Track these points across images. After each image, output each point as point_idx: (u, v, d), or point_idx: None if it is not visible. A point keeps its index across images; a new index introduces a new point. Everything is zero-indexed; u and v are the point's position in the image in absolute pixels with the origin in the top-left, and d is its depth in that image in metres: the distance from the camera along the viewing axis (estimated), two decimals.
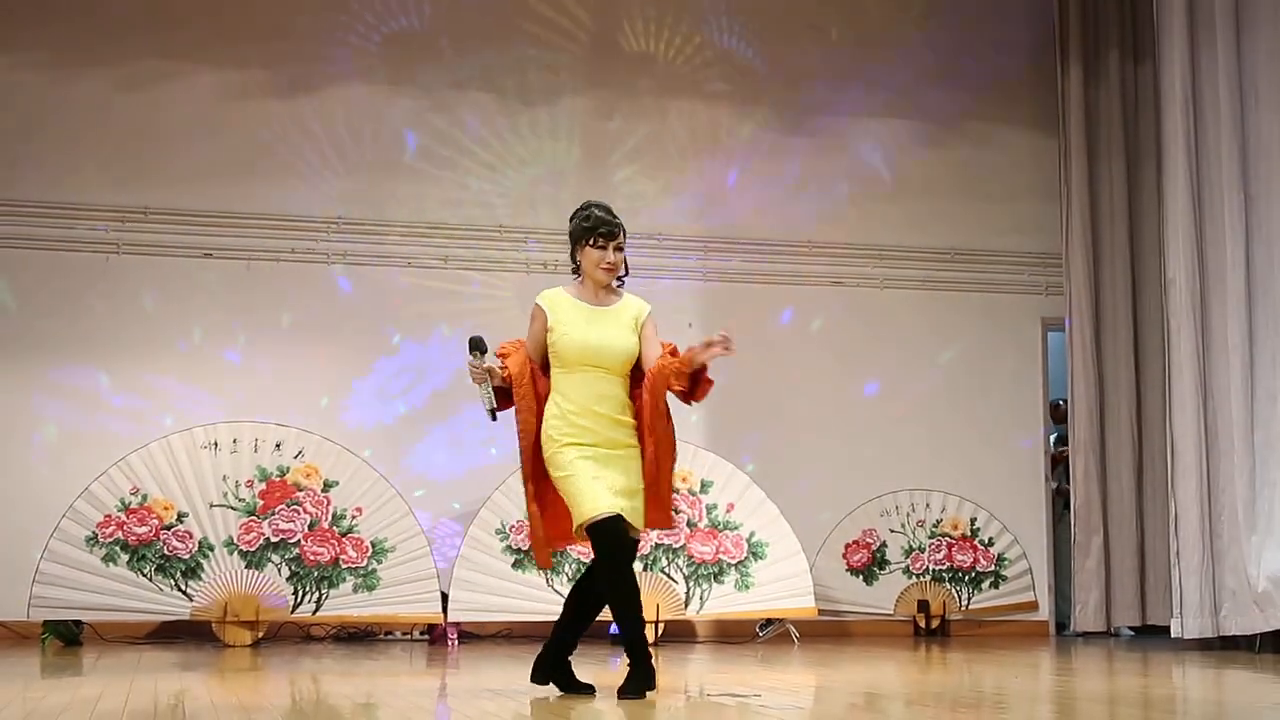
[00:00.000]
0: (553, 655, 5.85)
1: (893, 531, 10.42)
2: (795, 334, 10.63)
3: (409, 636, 9.57)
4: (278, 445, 9.16)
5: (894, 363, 10.80)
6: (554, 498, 5.78)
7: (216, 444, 9.08)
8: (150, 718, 4.99)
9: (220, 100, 9.94)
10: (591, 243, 5.85)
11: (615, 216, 5.91)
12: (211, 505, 8.99)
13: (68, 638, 8.87)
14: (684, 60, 10.68)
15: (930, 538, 10.46)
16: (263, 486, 9.08)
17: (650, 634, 9.21)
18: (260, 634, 8.95)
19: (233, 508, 9.01)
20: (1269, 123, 8.73)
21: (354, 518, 9.14)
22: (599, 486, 5.61)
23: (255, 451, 9.12)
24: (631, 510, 5.67)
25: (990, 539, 10.54)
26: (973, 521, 10.53)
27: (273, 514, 9.04)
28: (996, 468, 10.76)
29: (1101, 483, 10.27)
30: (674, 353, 5.85)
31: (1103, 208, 10.52)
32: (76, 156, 9.70)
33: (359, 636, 9.44)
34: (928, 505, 10.50)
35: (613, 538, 5.59)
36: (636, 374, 5.89)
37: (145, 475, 8.94)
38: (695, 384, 5.76)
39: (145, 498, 8.92)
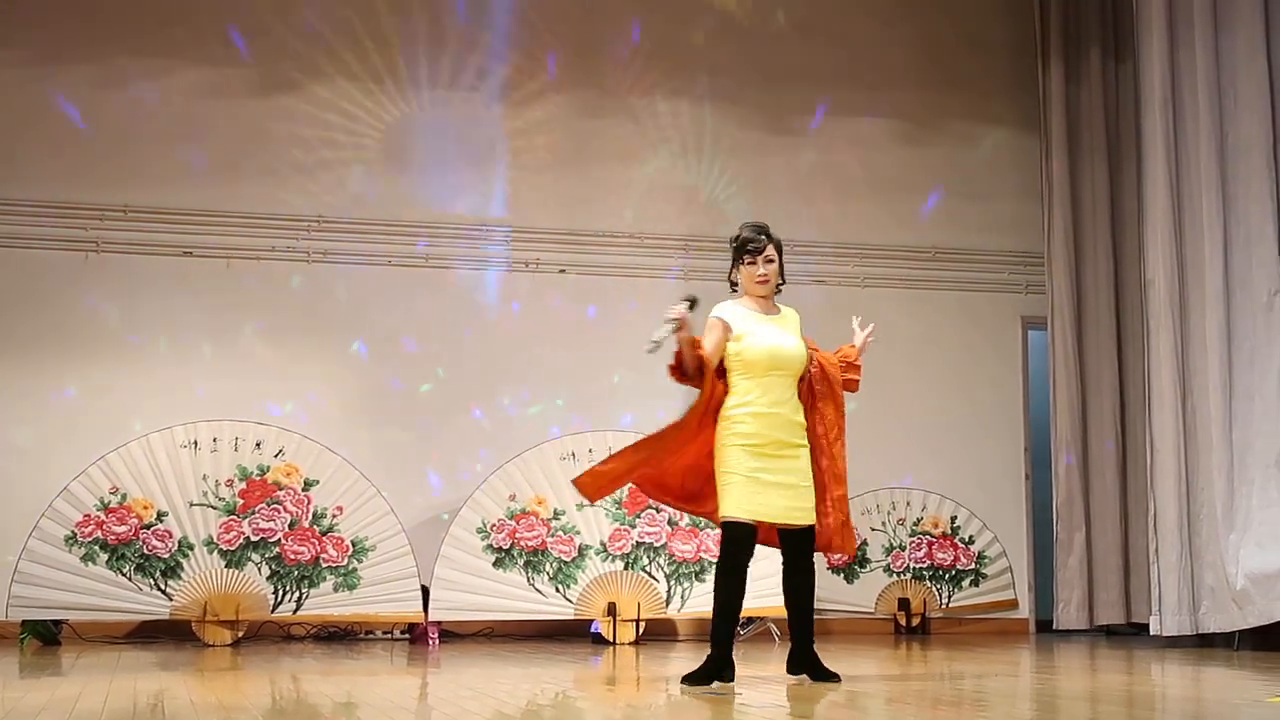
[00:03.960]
0: (806, 648, 6.33)
1: (873, 530, 10.44)
2: None
3: (390, 636, 9.56)
4: (258, 444, 9.14)
5: (874, 361, 10.73)
6: (685, 464, 6.28)
7: (196, 443, 9.05)
8: (130, 717, 4.97)
9: (200, 98, 9.92)
10: (746, 261, 6.34)
11: (763, 232, 6.37)
12: (191, 504, 8.97)
13: (46, 637, 8.85)
14: (665, 59, 10.67)
15: (911, 536, 10.48)
16: (243, 485, 9.06)
17: (631, 632, 9.22)
18: (240, 633, 8.93)
19: (213, 507, 8.99)
20: (1247, 122, 8.77)
21: (334, 517, 9.12)
22: (752, 490, 6.07)
23: (235, 450, 9.09)
24: (786, 509, 6.14)
25: (970, 537, 10.56)
26: (953, 520, 10.55)
27: (253, 513, 9.02)
28: (977, 466, 10.78)
29: (1084, 481, 10.30)
30: (814, 348, 6.41)
31: (1084, 206, 10.55)
32: (55, 154, 9.66)
33: (340, 636, 9.42)
34: (908, 503, 10.52)
35: (739, 543, 6.12)
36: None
37: (124, 474, 8.91)
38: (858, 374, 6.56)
39: (124, 497, 8.89)
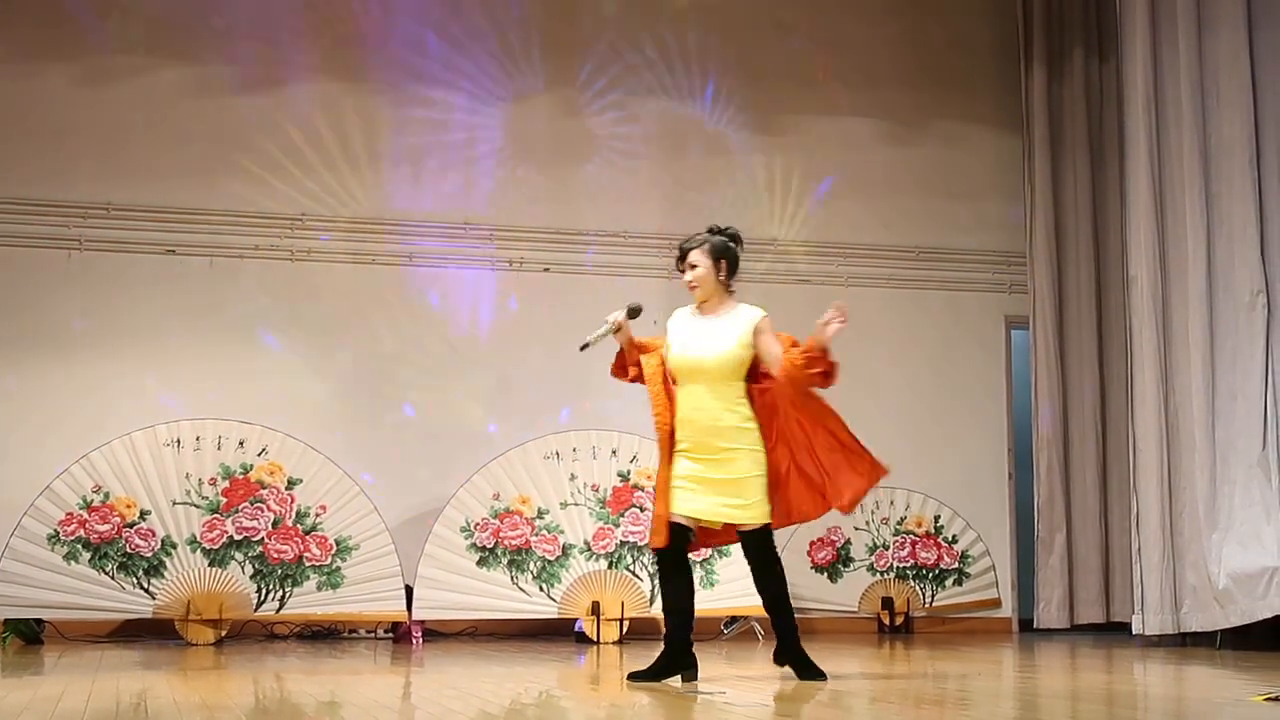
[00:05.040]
0: (786, 644, 6.41)
1: (857, 529, 10.45)
2: None
3: (374, 635, 9.54)
4: (241, 443, 9.11)
5: (858, 361, 10.77)
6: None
7: (179, 441, 9.03)
8: (112, 717, 4.96)
9: (183, 96, 9.89)
10: (679, 269, 6.52)
11: (690, 241, 6.52)
12: (174, 503, 8.94)
13: (29, 636, 8.82)
14: (649, 57, 10.67)
15: (894, 535, 10.50)
16: (226, 484, 9.04)
17: (615, 631, 9.22)
18: (223, 632, 8.91)
19: (196, 505, 8.97)
20: (1230, 121, 8.80)
21: (318, 515, 9.11)
22: (683, 492, 6.21)
23: (218, 449, 9.07)
24: (718, 510, 6.22)
25: (954, 536, 10.58)
26: (936, 519, 10.57)
27: (236, 512, 9.00)
28: (960, 465, 10.80)
29: (1065, 480, 10.33)
30: (795, 344, 6.32)
31: (1067, 206, 10.59)
32: (38, 152, 9.62)
33: (323, 635, 9.41)
34: (892, 503, 10.54)
35: (673, 539, 6.22)
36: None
37: (107, 473, 8.89)
38: (822, 368, 6.25)
39: (107, 495, 8.87)
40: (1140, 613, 8.87)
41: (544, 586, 9.24)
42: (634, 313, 6.46)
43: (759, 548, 6.32)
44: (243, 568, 8.95)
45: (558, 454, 9.40)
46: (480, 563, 9.20)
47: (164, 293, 9.71)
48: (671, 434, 6.31)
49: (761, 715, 5.19)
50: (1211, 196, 8.85)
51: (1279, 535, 8.29)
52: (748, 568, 9.56)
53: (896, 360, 10.85)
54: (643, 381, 6.44)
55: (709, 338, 6.31)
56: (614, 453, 9.52)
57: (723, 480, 6.20)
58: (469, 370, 10.10)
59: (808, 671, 6.31)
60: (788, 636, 6.38)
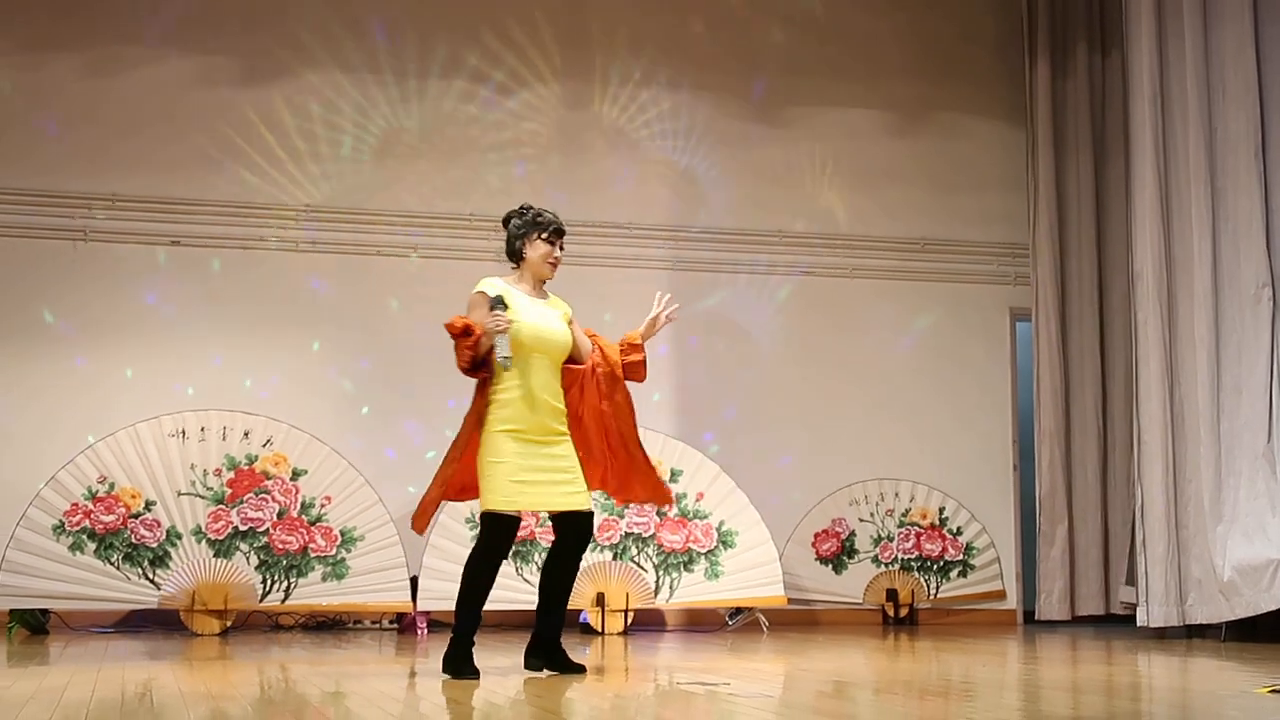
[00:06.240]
0: (544, 638, 6.19)
1: (862, 521, 10.46)
2: (764, 324, 10.65)
3: (378, 625, 9.56)
4: (246, 434, 9.13)
5: (863, 352, 10.83)
6: (466, 465, 6.10)
7: (184, 432, 9.04)
8: (118, 707, 4.97)
9: (189, 87, 9.90)
10: (544, 237, 6.21)
11: (559, 220, 6.30)
12: (179, 494, 8.96)
13: (34, 626, 8.83)
14: (653, 50, 10.67)
15: (899, 527, 10.50)
16: (231, 475, 9.05)
17: (620, 622, 9.23)
18: (228, 623, 8.92)
19: (201, 496, 8.98)
20: (1236, 115, 8.78)
21: (323, 506, 9.12)
22: (518, 481, 5.91)
23: (223, 440, 9.09)
24: (556, 497, 6.02)
25: (958, 528, 10.59)
26: (941, 511, 10.57)
27: (241, 502, 9.01)
28: (965, 457, 10.81)
29: (1066, 472, 10.34)
30: (593, 336, 6.30)
31: (1070, 199, 10.59)
32: (43, 143, 9.65)
33: (328, 625, 9.42)
34: (896, 494, 10.54)
35: (500, 535, 5.98)
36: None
37: (112, 463, 8.90)
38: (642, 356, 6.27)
39: (113, 486, 8.88)
40: (1145, 604, 8.87)
41: None
42: (503, 303, 5.98)
43: (585, 531, 6.10)
44: (248, 558, 8.97)
45: None
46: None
47: (169, 283, 9.73)
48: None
49: (765, 706, 5.19)
50: (1217, 190, 8.84)
51: None
52: (753, 559, 9.62)
53: (901, 352, 10.85)
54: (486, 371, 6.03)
55: (545, 315, 6.11)
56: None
57: (559, 466, 6.00)
58: None
59: (568, 664, 6.13)
60: (558, 629, 6.18)
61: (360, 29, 10.21)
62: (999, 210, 11.11)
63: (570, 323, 6.22)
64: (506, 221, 6.32)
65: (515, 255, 6.25)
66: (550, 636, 6.18)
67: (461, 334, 5.93)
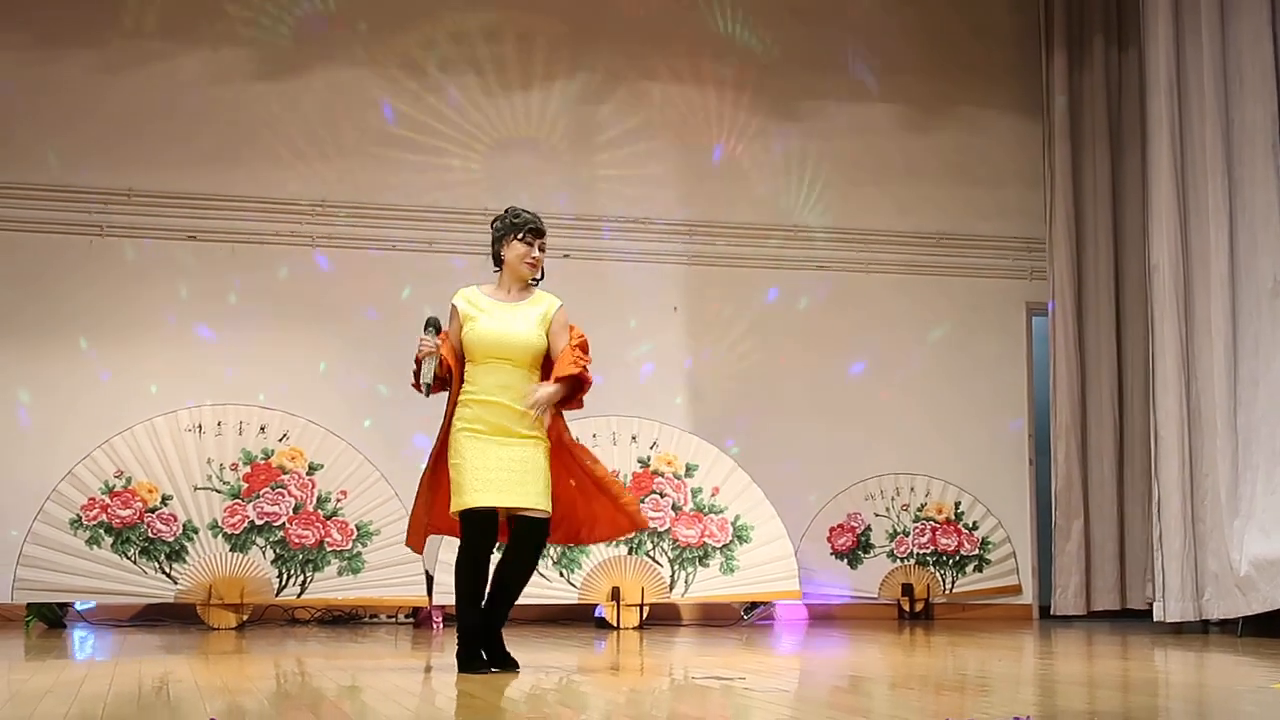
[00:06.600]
0: (499, 636, 6.15)
1: (877, 515, 10.45)
2: (780, 319, 10.63)
3: (394, 620, 9.57)
4: (262, 428, 9.14)
5: (879, 347, 10.81)
6: (445, 484, 6.16)
7: (201, 427, 9.06)
8: (135, 700, 4.98)
9: (205, 83, 9.91)
10: (520, 238, 6.23)
11: (539, 220, 6.31)
12: (196, 488, 8.98)
13: (52, 620, 8.86)
14: (669, 44, 10.66)
15: (915, 521, 10.49)
16: (247, 469, 9.07)
17: (635, 617, 9.23)
18: (245, 617, 8.94)
19: (217, 490, 9.00)
20: (1253, 108, 8.76)
21: (339, 501, 9.13)
22: (482, 478, 5.96)
23: (240, 434, 9.10)
24: (515, 495, 6.00)
25: (974, 523, 10.57)
26: (957, 505, 10.56)
27: (257, 497, 9.03)
28: (981, 452, 10.79)
29: (1083, 467, 10.31)
30: (583, 347, 6.18)
31: (1086, 193, 10.56)
32: (60, 139, 9.67)
33: (344, 619, 9.44)
34: (912, 489, 10.53)
35: (480, 530, 6.00)
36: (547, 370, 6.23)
37: (129, 458, 8.92)
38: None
39: (129, 480, 8.90)
40: (1161, 600, 8.85)
41: (564, 572, 9.25)
42: (435, 326, 6.17)
43: (539, 535, 6.11)
44: (264, 553, 8.98)
45: (576, 438, 9.37)
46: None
47: (185, 278, 9.75)
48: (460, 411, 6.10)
49: (780, 700, 5.19)
50: (1234, 182, 8.81)
51: None
52: (768, 554, 9.62)
53: (917, 346, 10.83)
54: (449, 376, 6.16)
55: (513, 319, 6.14)
56: (634, 438, 9.53)
57: (516, 467, 6.00)
58: None
59: (505, 660, 6.12)
60: (499, 626, 6.14)
61: (375, 24, 10.19)
62: (1015, 205, 11.08)
63: (552, 321, 6.19)
64: (492, 225, 6.39)
65: (496, 258, 6.32)
66: (492, 625, 6.12)
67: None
